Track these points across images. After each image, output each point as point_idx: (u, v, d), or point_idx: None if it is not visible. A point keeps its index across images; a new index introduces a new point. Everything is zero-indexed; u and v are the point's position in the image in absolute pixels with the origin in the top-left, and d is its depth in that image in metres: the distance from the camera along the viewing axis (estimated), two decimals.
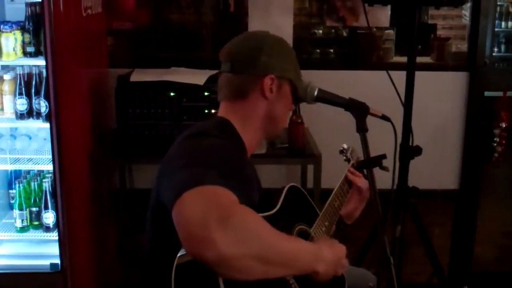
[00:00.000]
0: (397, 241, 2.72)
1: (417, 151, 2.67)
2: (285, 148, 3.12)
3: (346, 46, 5.20)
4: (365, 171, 1.74)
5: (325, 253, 1.42)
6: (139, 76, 3.09)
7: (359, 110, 1.75)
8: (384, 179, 2.91)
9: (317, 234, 1.70)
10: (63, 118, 2.69)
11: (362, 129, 1.72)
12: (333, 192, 1.87)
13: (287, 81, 1.64)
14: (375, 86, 4.11)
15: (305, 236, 1.64)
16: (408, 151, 2.67)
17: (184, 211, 1.20)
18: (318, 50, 5.33)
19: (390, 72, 2.67)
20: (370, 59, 4.98)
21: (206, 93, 3.05)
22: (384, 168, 1.79)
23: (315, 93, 1.71)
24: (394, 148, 1.71)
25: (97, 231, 3.06)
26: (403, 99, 2.67)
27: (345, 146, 2.06)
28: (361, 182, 1.94)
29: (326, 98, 1.75)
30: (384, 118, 1.78)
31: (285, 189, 1.69)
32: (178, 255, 1.29)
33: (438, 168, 4.20)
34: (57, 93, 2.65)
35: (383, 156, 1.76)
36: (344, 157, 2.05)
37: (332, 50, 5.35)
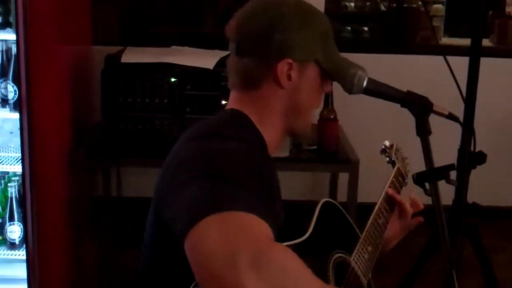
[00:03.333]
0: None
1: (481, 158, 2.64)
2: (313, 151, 3.07)
3: (384, 23, 5.14)
4: (426, 185, 1.66)
5: None
6: (132, 56, 3.04)
7: (420, 107, 1.70)
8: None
9: (359, 263, 1.67)
10: (36, 107, 2.66)
11: (423, 131, 1.67)
12: (376, 206, 1.82)
13: (312, 62, 1.55)
14: (419, 75, 4.07)
15: (345, 266, 1.61)
16: (469, 158, 2.64)
17: (204, 246, 1.16)
18: (349, 28, 5.27)
19: (436, 57, 2.63)
20: (413, 40, 4.92)
21: (216, 79, 2.98)
22: (451, 182, 1.70)
23: (364, 83, 1.65)
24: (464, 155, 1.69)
25: (75, 249, 3.03)
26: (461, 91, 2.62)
27: (387, 143, 2.01)
28: (407, 205, 1.88)
29: (378, 90, 1.69)
30: (452, 117, 1.73)
31: (319, 206, 1.65)
32: None
33: (503, 180, 4.18)
34: (29, 75, 2.63)
35: (451, 167, 1.67)
36: (387, 159, 2.00)
37: (366, 28, 5.30)
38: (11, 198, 2.89)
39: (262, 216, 1.21)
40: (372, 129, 3.69)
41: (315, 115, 1.69)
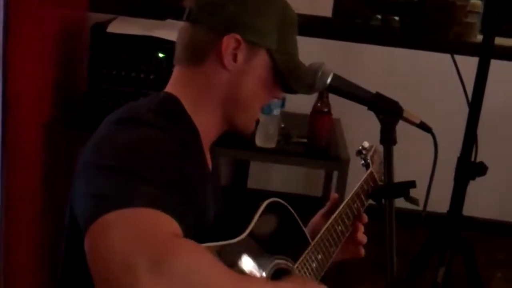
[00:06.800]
0: (439, 287, 2.68)
1: (481, 169, 2.59)
2: (302, 144, 2.94)
3: (415, 15, 4.95)
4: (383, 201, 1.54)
5: None
6: (121, 26, 2.92)
7: (387, 112, 1.58)
8: (434, 200, 2.78)
9: (304, 271, 1.58)
10: (12, 70, 2.56)
11: (388, 139, 1.55)
12: (337, 212, 1.73)
13: (263, 50, 1.46)
14: (446, 75, 3.88)
15: (287, 274, 1.51)
16: (469, 168, 2.58)
17: (102, 245, 1.10)
18: (379, 16, 5.11)
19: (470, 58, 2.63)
20: (445, 36, 4.70)
21: None
22: (413, 201, 1.63)
23: (329, 80, 1.53)
24: (432, 166, 1.58)
25: (50, 230, 2.92)
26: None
27: (365, 144, 1.93)
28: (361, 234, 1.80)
29: (343, 89, 1.58)
30: (423, 127, 1.60)
31: (263, 206, 1.54)
32: None
33: (507, 193, 4.00)
34: (6, 38, 2.52)
35: (411, 184, 1.55)
36: (362, 161, 1.92)
37: (397, 18, 5.12)
38: None
39: (169, 211, 1.15)
40: (373, 127, 3.48)
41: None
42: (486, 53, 2.57)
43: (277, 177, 3.59)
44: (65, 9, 3.04)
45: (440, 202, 2.68)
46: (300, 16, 1.57)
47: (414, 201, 1.63)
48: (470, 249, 2.65)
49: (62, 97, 2.99)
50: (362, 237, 1.77)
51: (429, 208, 3.22)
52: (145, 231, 1.10)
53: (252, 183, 3.55)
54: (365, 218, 1.78)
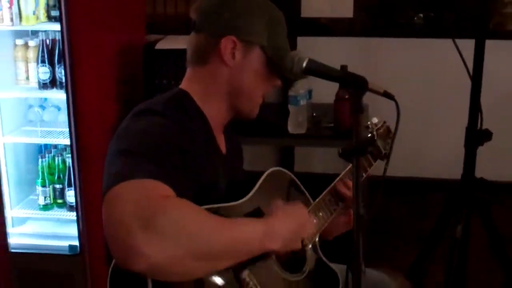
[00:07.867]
0: (457, 242, 2.73)
1: (486, 135, 2.69)
2: (330, 129, 3.15)
3: (457, 8, 4.98)
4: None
5: (277, 228, 1.47)
6: (168, 43, 3.25)
7: (355, 85, 1.67)
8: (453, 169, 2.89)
9: None
10: (80, 87, 2.92)
11: (357, 109, 1.64)
12: (341, 174, 1.86)
13: (256, 47, 1.64)
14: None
15: None
16: (475, 135, 2.70)
17: (108, 211, 1.27)
18: (421, 15, 5.16)
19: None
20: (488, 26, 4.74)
21: None
22: (382, 157, 1.80)
23: (304, 64, 1.63)
24: (394, 130, 1.65)
25: None
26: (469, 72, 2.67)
27: (374, 120, 2.00)
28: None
29: (318, 70, 1.68)
30: (387, 95, 1.70)
31: (265, 174, 1.71)
32: None
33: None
34: (72, 59, 2.89)
35: (370, 141, 1.76)
36: (369, 134, 1.98)
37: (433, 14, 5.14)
38: (69, 167, 3.20)
39: (166, 181, 1.31)
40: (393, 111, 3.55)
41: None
42: (481, 35, 2.72)
43: (320, 160, 3.81)
44: (124, 34, 3.36)
45: (456, 169, 2.78)
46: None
47: (383, 157, 1.81)
48: (486, 207, 2.70)
49: (125, 106, 3.28)
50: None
51: (447, 175, 3.25)
52: (141, 195, 1.26)
53: (298, 167, 3.84)
54: None
